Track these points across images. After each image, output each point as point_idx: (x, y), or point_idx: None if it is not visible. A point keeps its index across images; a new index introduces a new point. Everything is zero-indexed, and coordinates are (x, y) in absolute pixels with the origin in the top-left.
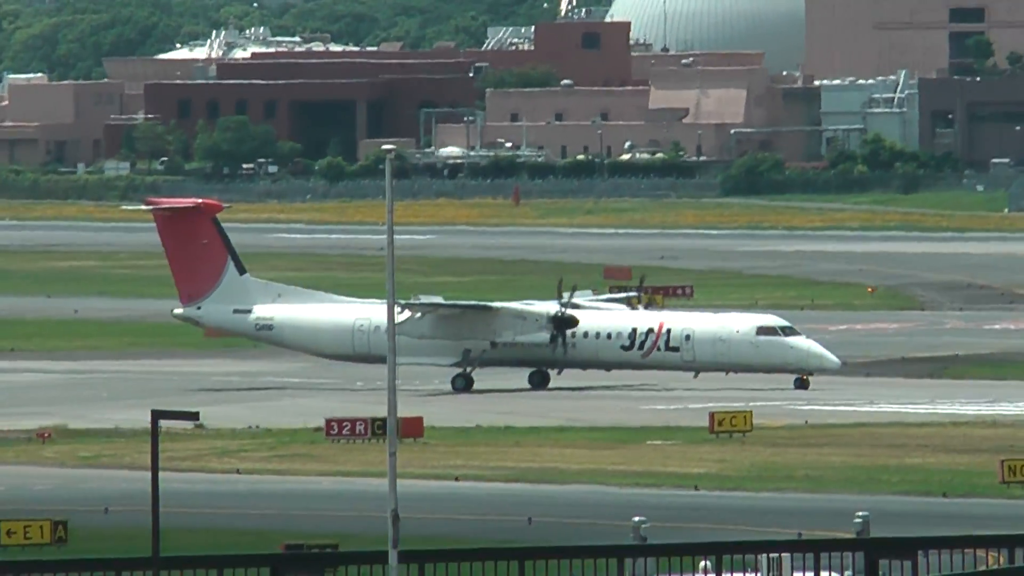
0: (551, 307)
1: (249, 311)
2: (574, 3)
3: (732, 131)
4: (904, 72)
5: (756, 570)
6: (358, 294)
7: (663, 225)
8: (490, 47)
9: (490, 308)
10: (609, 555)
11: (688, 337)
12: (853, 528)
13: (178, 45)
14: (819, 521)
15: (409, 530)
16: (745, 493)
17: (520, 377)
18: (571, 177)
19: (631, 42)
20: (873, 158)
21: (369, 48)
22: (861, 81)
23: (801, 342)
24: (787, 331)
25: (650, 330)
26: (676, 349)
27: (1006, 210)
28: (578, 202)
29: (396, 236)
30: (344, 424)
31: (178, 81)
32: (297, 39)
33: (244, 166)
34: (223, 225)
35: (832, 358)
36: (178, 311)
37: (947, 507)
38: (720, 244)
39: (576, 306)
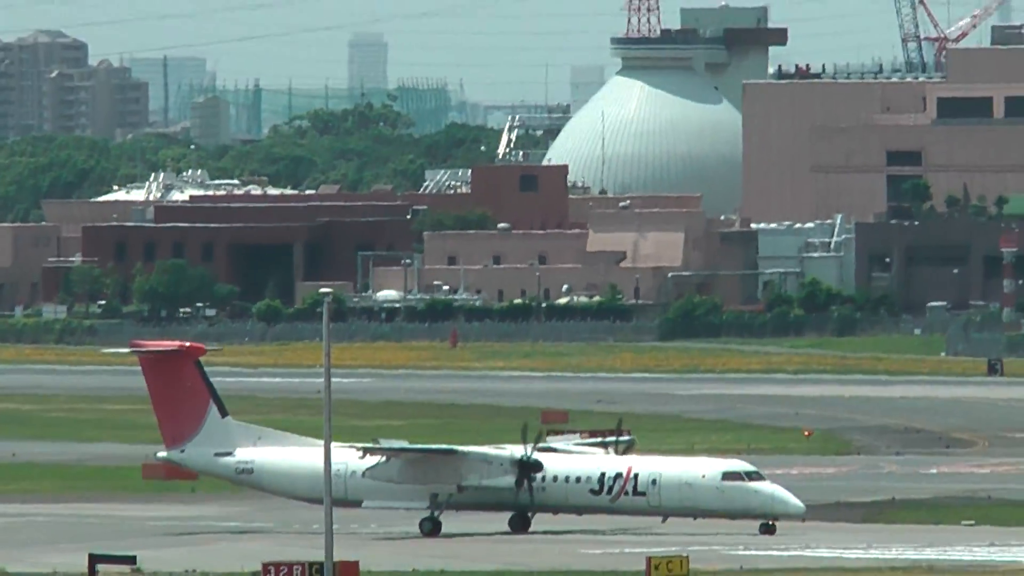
0: (517, 451)
1: (230, 454)
2: (512, 146)
3: (670, 274)
4: (840, 216)
5: None
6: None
7: (600, 368)
8: (428, 190)
9: (455, 452)
10: None
11: (655, 482)
12: None
13: (116, 187)
14: None
15: None
16: None
17: (500, 521)
18: (508, 320)
19: (569, 184)
20: (810, 301)
21: (307, 191)
22: (798, 225)
23: (766, 487)
24: (753, 476)
25: (618, 474)
26: (643, 494)
27: (943, 353)
28: (515, 345)
29: (333, 379)
30: (281, 568)
31: (115, 223)
32: (235, 182)
33: (181, 309)
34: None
35: (797, 504)
36: (162, 454)
37: None
38: (657, 387)
39: (552, 450)
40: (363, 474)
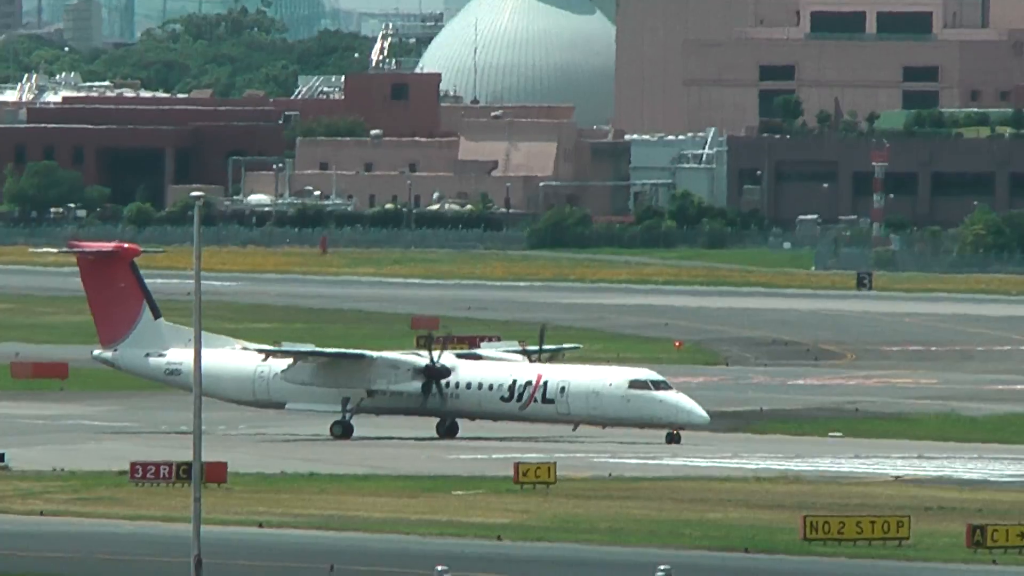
0: (426, 357)
1: (161, 356)
2: (384, 54)
3: (540, 184)
4: (713, 129)
5: None
6: None
7: (470, 276)
8: (300, 96)
9: (364, 356)
10: None
11: (563, 390)
12: None
13: None
14: (621, 574)
15: None
16: (548, 544)
17: (428, 427)
18: (379, 227)
19: (441, 93)
20: (680, 214)
21: (179, 95)
22: (670, 137)
23: (671, 396)
24: (659, 385)
25: (528, 382)
26: (552, 401)
27: (812, 267)
28: (386, 252)
29: (203, 282)
30: (149, 468)
31: None
32: (107, 84)
33: (52, 210)
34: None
35: (701, 413)
36: (96, 353)
37: (748, 562)
38: (527, 296)
39: (477, 356)
40: (280, 376)
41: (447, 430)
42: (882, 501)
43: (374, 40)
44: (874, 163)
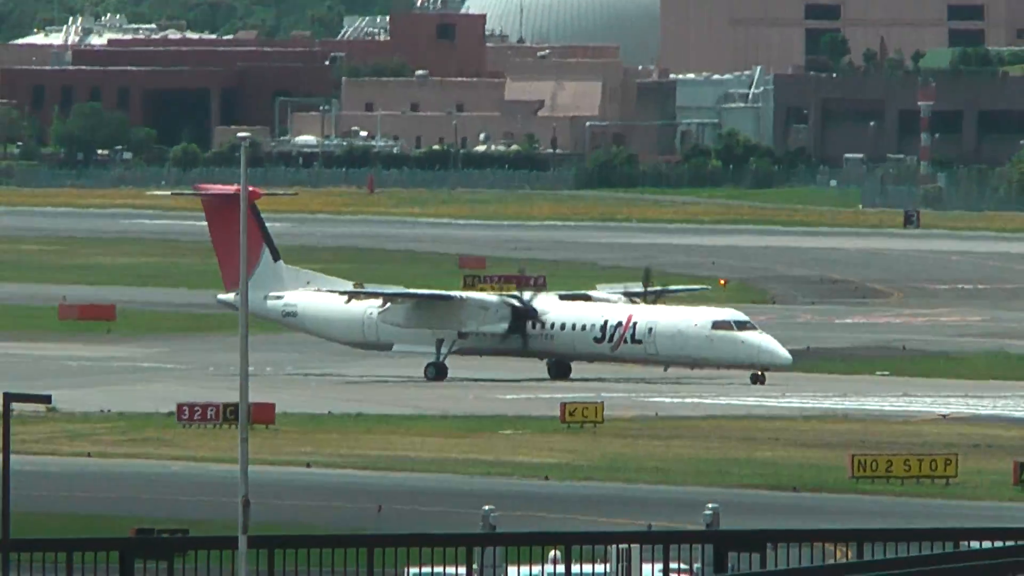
0: (513, 298)
1: (279, 298)
2: None
3: (587, 124)
4: (759, 68)
5: (605, 561)
6: (211, 282)
7: (517, 216)
8: (346, 37)
9: (452, 297)
10: (458, 543)
11: (651, 330)
12: (702, 520)
13: (35, 30)
14: (669, 513)
15: (259, 516)
16: (595, 484)
17: (540, 369)
18: (425, 168)
19: (487, 33)
20: (727, 153)
21: (225, 36)
22: (716, 76)
23: (753, 337)
24: (743, 326)
25: (619, 323)
26: (640, 342)
27: (860, 206)
28: (432, 192)
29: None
30: (196, 409)
31: (33, 67)
32: (153, 26)
33: (99, 152)
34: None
35: (783, 354)
36: (221, 296)
37: (796, 501)
38: (574, 236)
39: (587, 297)
40: (378, 318)
41: (559, 372)
42: (930, 439)
43: None
44: (920, 102)
